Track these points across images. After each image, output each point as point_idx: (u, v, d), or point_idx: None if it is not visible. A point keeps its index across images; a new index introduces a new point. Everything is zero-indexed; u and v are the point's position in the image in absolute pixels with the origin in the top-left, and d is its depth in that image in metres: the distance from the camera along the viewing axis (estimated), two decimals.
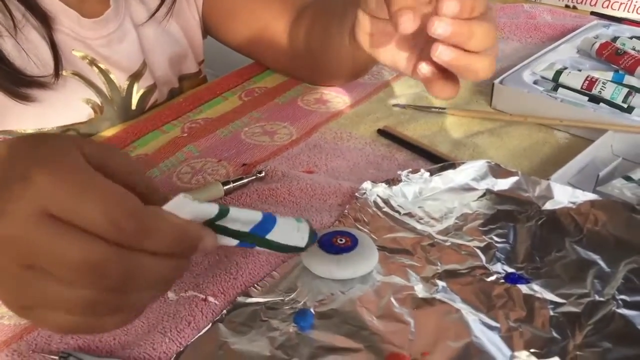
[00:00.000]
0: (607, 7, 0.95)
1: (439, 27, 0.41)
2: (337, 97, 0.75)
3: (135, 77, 0.72)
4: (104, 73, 0.69)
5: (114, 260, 0.31)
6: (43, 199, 0.30)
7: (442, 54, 0.43)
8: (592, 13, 0.94)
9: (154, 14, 0.74)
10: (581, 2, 0.98)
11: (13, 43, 0.61)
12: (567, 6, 0.99)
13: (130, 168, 0.36)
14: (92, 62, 0.68)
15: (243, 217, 0.37)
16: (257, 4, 0.78)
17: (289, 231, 0.39)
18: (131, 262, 0.31)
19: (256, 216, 0.38)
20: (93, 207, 0.30)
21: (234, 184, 0.57)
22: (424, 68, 0.46)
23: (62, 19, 0.64)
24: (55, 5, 0.64)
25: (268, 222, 0.38)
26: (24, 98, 0.62)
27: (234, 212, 0.36)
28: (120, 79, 0.70)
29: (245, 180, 0.57)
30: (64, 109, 0.66)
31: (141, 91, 0.73)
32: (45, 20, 0.63)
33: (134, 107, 0.73)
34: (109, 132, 0.68)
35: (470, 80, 0.47)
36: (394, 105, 0.72)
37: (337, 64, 0.70)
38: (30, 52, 0.62)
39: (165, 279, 0.34)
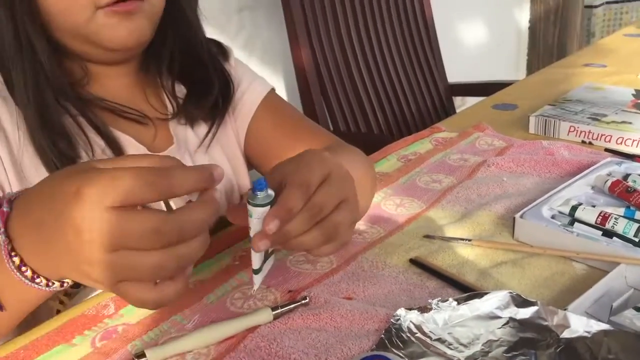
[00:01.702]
0: (621, 143, 1.03)
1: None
2: (372, 228, 0.82)
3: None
4: (165, 201, 0.77)
5: (168, 220, 0.45)
6: (101, 199, 0.43)
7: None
8: (607, 149, 1.02)
9: (203, 140, 0.83)
10: (596, 139, 1.06)
11: None
12: (583, 142, 1.07)
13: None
14: None
15: None
16: (289, 142, 0.87)
17: None
18: (179, 219, 0.46)
19: None
20: (141, 185, 0.44)
21: (282, 309, 0.63)
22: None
23: (131, 152, 0.73)
24: (126, 140, 0.73)
25: None
26: None
27: None
28: (178, 204, 0.79)
29: (292, 306, 0.64)
30: None
31: None
32: (121, 154, 0.72)
33: None
34: None
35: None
36: (425, 236, 0.79)
37: None
38: None
39: (204, 229, 0.48)
